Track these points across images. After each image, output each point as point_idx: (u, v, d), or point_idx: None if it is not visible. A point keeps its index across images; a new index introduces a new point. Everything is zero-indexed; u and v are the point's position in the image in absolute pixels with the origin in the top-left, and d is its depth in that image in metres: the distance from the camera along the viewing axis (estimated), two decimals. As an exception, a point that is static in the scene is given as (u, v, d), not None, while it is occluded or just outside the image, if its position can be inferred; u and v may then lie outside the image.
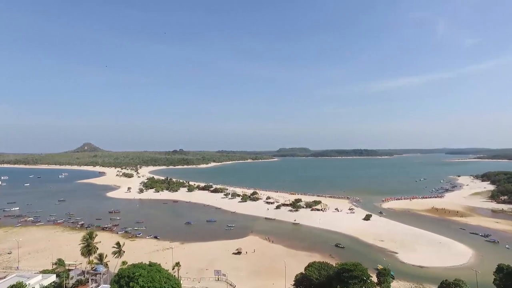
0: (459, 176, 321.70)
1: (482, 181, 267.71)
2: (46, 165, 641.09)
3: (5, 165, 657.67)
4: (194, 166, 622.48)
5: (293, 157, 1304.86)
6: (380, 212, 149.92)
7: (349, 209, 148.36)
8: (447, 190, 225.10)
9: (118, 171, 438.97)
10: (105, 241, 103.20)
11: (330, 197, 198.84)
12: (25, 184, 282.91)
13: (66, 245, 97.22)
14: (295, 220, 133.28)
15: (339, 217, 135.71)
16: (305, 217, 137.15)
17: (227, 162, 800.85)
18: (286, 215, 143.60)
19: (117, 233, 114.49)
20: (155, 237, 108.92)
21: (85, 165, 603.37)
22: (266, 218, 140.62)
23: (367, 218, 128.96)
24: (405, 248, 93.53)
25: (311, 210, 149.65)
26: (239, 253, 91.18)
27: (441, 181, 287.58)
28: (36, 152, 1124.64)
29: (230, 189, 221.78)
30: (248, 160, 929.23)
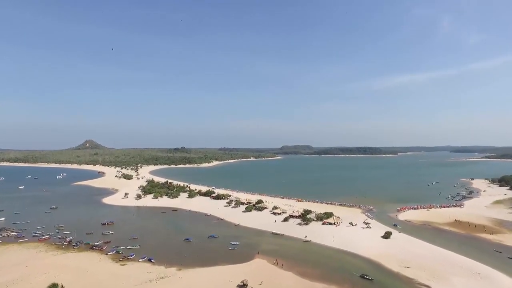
0: (472, 179, 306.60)
1: (499, 186, 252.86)
2: (46, 163, 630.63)
3: (5, 163, 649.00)
4: (196, 165, 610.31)
5: (296, 154, 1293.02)
6: (395, 225, 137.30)
7: (365, 223, 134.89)
8: (464, 197, 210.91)
9: (117, 171, 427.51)
10: (92, 266, 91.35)
11: (340, 205, 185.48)
12: (19, 187, 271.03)
13: (45, 273, 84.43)
14: (305, 237, 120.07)
15: (355, 233, 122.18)
16: (317, 233, 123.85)
17: (229, 161, 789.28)
18: (295, 230, 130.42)
19: (107, 254, 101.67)
20: (149, 260, 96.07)
21: (85, 164, 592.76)
22: (273, 233, 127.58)
23: (387, 235, 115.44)
24: (438, 280, 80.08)
25: (323, 223, 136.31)
26: (244, 286, 78.12)
27: (455, 185, 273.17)
28: (38, 149, 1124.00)
29: (233, 195, 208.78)
30: (251, 158, 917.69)
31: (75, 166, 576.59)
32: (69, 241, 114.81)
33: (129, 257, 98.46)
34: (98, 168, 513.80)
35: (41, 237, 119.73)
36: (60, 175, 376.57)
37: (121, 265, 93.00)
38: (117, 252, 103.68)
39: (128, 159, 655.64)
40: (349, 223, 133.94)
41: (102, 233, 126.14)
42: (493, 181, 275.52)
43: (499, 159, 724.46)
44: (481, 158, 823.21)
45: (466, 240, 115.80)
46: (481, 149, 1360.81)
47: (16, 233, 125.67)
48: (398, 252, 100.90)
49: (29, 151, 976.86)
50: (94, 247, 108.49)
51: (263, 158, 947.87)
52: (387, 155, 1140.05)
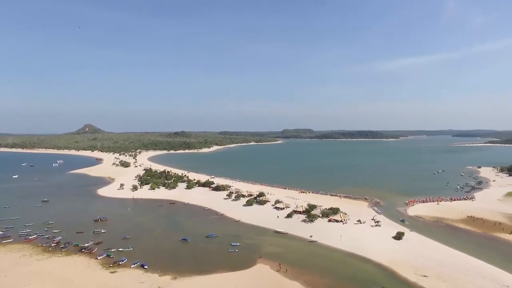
0: (479, 167, 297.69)
1: (509, 175, 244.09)
2: (44, 149, 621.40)
3: (2, 149, 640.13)
4: (196, 150, 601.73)
5: (297, 138, 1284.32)
6: (402, 220, 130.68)
7: (374, 220, 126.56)
8: (473, 188, 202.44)
9: (115, 158, 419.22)
10: (79, 275, 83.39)
11: (345, 197, 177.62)
12: (13, 176, 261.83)
13: (24, 285, 76.25)
14: (311, 236, 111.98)
15: (364, 233, 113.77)
16: (323, 232, 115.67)
17: (230, 145, 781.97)
18: (300, 228, 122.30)
19: (97, 258, 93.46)
20: (142, 266, 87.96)
21: (83, 150, 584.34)
22: (276, 232, 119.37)
23: (399, 236, 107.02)
24: (461, 294, 72.09)
25: (329, 221, 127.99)
26: (246, 301, 70.28)
27: (462, 174, 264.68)
28: (38, 133, 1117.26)
29: (234, 186, 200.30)
30: (252, 143, 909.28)
31: (73, 152, 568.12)
32: (57, 242, 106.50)
33: (120, 263, 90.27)
34: (96, 154, 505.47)
35: (27, 237, 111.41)
36: (56, 163, 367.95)
37: (110, 272, 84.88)
38: (108, 255, 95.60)
39: (127, 145, 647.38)
40: (357, 221, 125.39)
41: (94, 232, 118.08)
42: (501, 169, 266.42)
43: (503, 144, 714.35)
44: (484, 143, 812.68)
45: (485, 241, 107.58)
46: (483, 133, 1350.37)
47: (1, 232, 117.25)
48: (413, 256, 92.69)
49: (28, 136, 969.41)
50: (83, 249, 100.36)
51: (264, 143, 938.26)
52: (389, 139, 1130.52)
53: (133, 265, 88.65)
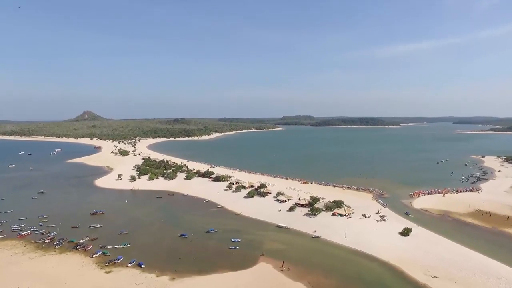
0: (483, 156, 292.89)
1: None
2: (43, 137, 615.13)
3: (0, 137, 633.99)
4: (195, 138, 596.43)
5: (298, 125, 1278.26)
6: (407, 213, 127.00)
7: (379, 214, 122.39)
8: (478, 179, 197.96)
9: (114, 146, 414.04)
10: (72, 275, 79.78)
11: (348, 188, 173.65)
12: (10, 166, 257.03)
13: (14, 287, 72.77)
14: (314, 232, 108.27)
15: (369, 227, 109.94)
16: (326, 227, 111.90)
17: (230, 132, 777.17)
18: (303, 222, 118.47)
19: (92, 257, 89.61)
20: (139, 265, 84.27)
21: (82, 137, 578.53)
22: (278, 226, 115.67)
23: (406, 232, 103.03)
24: (474, 297, 68.40)
25: (332, 214, 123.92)
26: (248, 305, 66.63)
27: (466, 163, 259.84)
28: (37, 120, 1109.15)
29: (234, 176, 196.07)
30: (252, 130, 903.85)
31: (72, 139, 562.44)
32: (51, 238, 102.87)
33: (116, 261, 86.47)
34: (95, 142, 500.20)
35: (20, 233, 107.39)
36: (54, 151, 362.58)
37: (106, 272, 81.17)
38: (104, 253, 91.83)
39: (126, 132, 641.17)
40: (362, 215, 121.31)
41: (90, 227, 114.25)
42: (506, 159, 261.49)
43: (505, 132, 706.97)
44: (486, 130, 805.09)
45: (494, 238, 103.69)
46: (485, 120, 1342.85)
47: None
48: (421, 254, 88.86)
49: (27, 123, 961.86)
50: (78, 246, 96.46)
51: (264, 130, 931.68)
52: (390, 126, 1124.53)
53: (129, 264, 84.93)
